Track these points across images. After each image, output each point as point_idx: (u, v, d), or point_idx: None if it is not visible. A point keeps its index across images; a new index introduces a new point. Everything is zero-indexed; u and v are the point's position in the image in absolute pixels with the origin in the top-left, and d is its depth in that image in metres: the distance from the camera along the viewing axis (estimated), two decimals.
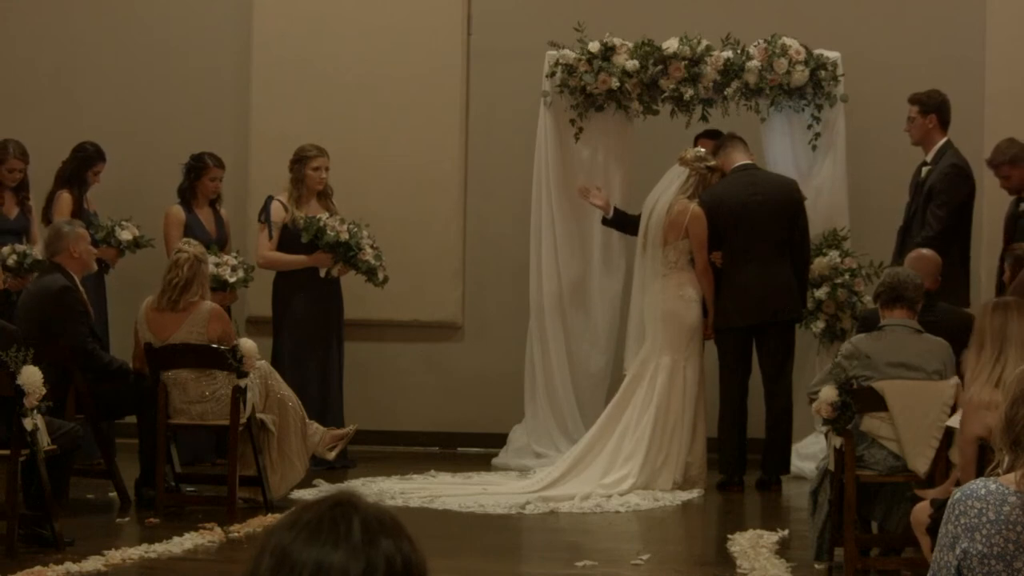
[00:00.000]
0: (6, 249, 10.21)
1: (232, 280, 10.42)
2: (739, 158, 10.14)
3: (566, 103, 10.59)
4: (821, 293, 10.30)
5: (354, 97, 11.48)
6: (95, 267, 9.80)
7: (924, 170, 9.95)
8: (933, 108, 9.95)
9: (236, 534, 8.25)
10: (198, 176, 10.69)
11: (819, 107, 10.40)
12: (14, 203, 10.63)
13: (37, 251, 10.29)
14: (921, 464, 7.33)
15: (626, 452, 9.77)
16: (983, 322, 6.63)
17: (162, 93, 11.79)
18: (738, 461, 9.95)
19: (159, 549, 7.84)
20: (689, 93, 10.37)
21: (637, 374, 9.98)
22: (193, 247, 9.24)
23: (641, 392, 9.92)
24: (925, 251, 8.83)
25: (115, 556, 7.62)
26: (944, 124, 9.96)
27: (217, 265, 10.24)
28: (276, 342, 10.49)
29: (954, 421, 7.15)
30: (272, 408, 9.14)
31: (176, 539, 8.03)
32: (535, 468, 10.22)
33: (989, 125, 10.52)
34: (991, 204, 10.12)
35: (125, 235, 10.59)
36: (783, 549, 8.00)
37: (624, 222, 10.34)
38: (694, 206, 9.96)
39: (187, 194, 10.71)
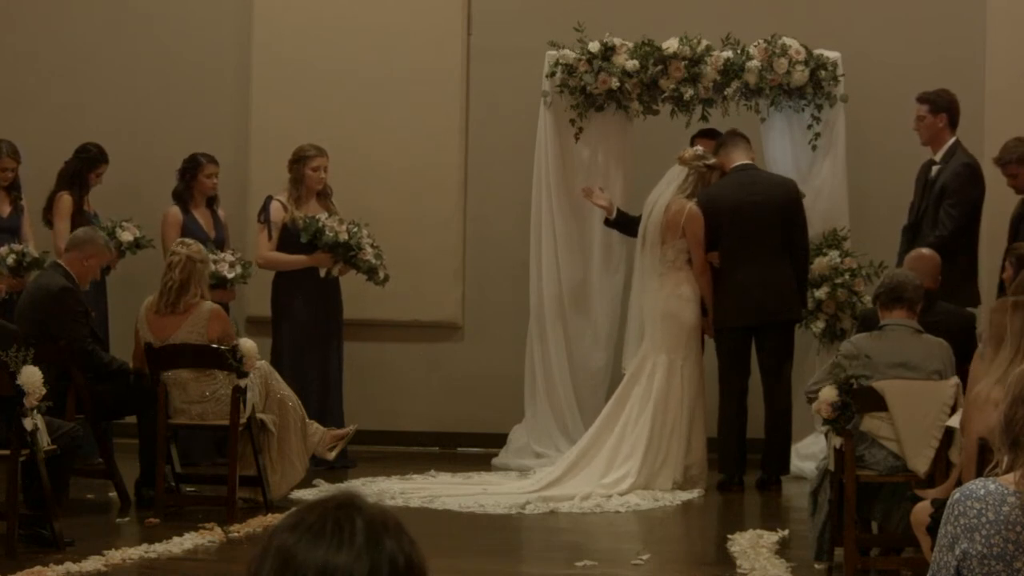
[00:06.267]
0: (3, 250, 10.22)
1: (231, 276, 10.43)
2: (739, 157, 10.14)
3: (566, 103, 10.59)
4: (821, 293, 10.30)
5: (354, 97, 11.48)
6: (88, 284, 9.68)
7: (934, 169, 9.93)
8: (943, 107, 9.94)
9: (236, 534, 8.25)
10: (194, 176, 10.69)
11: (819, 107, 10.40)
12: (7, 202, 10.64)
13: (33, 249, 10.31)
14: (921, 464, 7.33)
15: (625, 451, 9.77)
16: (1002, 320, 6.52)
17: (162, 93, 11.79)
18: (738, 461, 9.95)
19: (159, 549, 7.84)
20: (689, 93, 10.37)
21: (634, 373, 9.98)
22: (187, 248, 9.22)
23: (639, 391, 9.92)
24: (924, 251, 8.83)
25: (115, 556, 7.62)
26: (953, 124, 9.96)
27: (215, 262, 10.25)
28: (276, 342, 10.49)
29: (954, 421, 7.15)
30: (272, 408, 9.14)
31: (176, 539, 8.03)
32: (535, 468, 10.22)
33: (989, 125, 10.52)
34: (991, 203, 10.11)
35: (126, 236, 10.60)
36: (783, 549, 8.00)
37: (626, 223, 10.33)
38: (691, 205, 9.96)
39: (184, 195, 10.71)
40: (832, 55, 10.44)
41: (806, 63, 10.35)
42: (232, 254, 10.57)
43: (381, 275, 10.50)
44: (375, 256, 10.44)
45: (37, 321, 8.98)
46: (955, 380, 7.46)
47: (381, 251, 10.49)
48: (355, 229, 10.40)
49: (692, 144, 10.41)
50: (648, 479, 9.71)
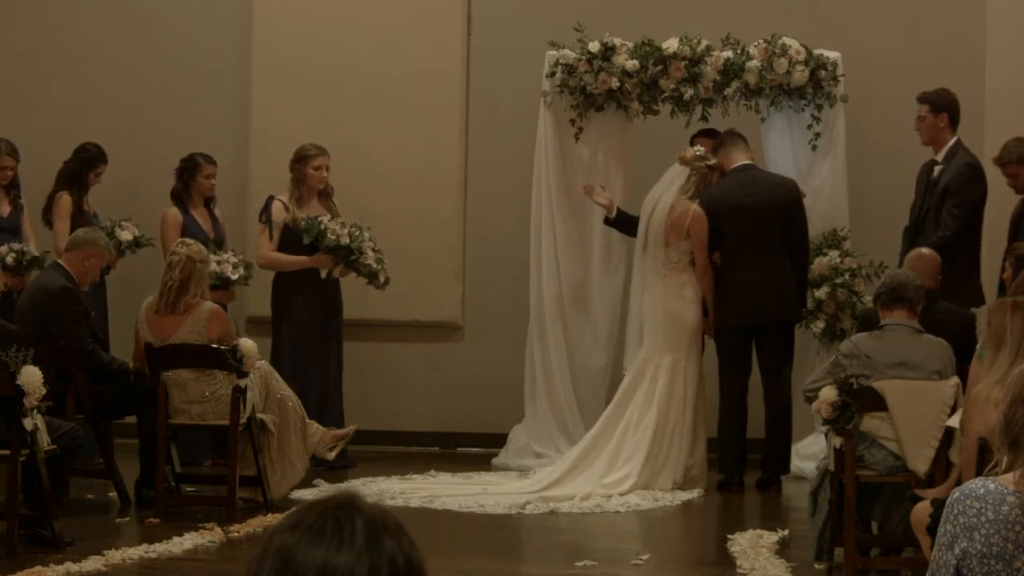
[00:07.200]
0: (3, 249, 10.22)
1: (235, 277, 10.43)
2: (739, 157, 10.14)
3: (566, 103, 10.59)
4: (821, 293, 10.30)
5: (354, 97, 11.48)
6: (88, 285, 9.68)
7: (936, 169, 9.93)
8: (944, 107, 9.94)
9: (236, 534, 8.25)
10: (192, 176, 10.68)
11: (819, 107, 10.41)
12: (6, 201, 10.64)
13: (33, 248, 10.31)
14: (921, 464, 7.33)
15: (626, 452, 9.77)
16: (1001, 321, 6.49)
17: (162, 93, 11.79)
18: (738, 461, 9.95)
19: (159, 549, 7.84)
20: (689, 93, 10.37)
21: (637, 375, 9.97)
22: (187, 248, 9.22)
23: (641, 393, 9.92)
24: (924, 251, 8.83)
25: (115, 556, 7.62)
26: (954, 123, 9.96)
27: (218, 263, 10.25)
28: (276, 342, 10.49)
29: (954, 421, 7.15)
30: (272, 408, 9.14)
31: (176, 539, 8.03)
32: (535, 468, 10.22)
33: (989, 125, 10.52)
34: (991, 203, 10.10)
35: (125, 235, 10.60)
36: (783, 549, 8.00)
37: (626, 222, 10.33)
38: (695, 207, 9.96)
39: (182, 195, 10.69)
40: (832, 55, 10.44)
41: (806, 63, 10.35)
42: (234, 255, 10.56)
43: (382, 279, 10.50)
44: (376, 261, 10.43)
45: (37, 321, 8.98)
46: (955, 380, 7.46)
47: (382, 255, 10.48)
48: (357, 232, 10.39)
49: (692, 144, 10.41)
50: (649, 479, 9.72)
